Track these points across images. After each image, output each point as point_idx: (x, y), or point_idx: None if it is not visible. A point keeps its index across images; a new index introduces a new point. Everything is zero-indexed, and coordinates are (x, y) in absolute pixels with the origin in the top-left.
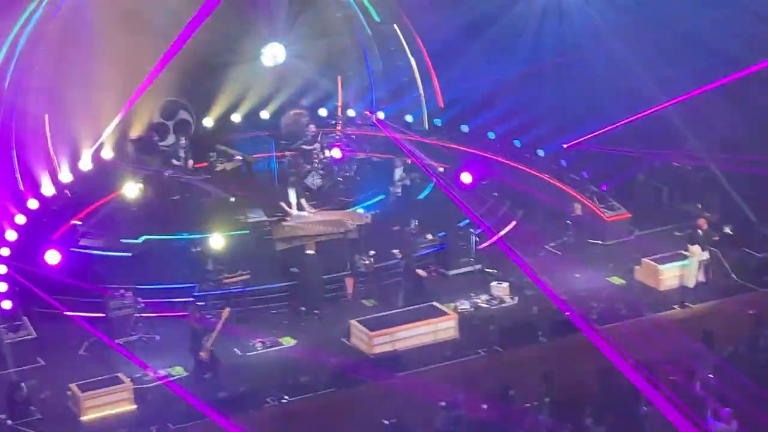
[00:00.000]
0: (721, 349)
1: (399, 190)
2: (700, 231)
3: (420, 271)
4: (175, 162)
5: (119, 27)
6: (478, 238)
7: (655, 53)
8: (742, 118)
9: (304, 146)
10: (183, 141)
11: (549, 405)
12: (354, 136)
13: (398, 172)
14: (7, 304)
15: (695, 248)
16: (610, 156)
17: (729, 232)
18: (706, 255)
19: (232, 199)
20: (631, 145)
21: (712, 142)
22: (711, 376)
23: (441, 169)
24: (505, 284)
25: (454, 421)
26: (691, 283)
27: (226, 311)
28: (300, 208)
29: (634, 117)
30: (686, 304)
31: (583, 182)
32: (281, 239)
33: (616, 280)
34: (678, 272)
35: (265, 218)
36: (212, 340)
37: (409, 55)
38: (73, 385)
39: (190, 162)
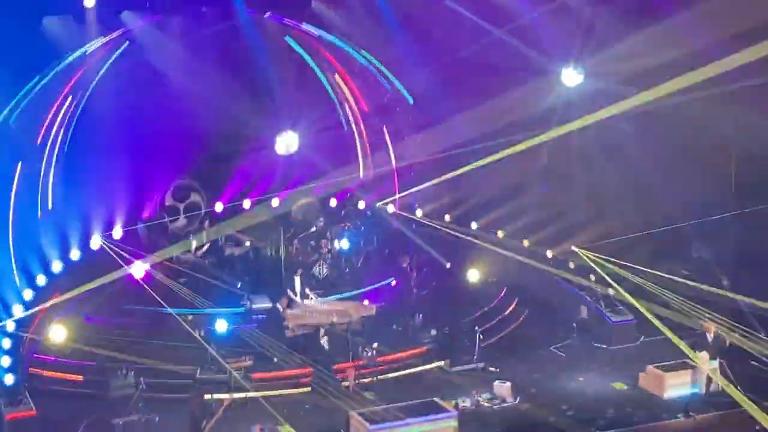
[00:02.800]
0: None
1: None
2: (708, 336)
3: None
4: (194, 242)
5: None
6: (482, 335)
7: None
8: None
9: (312, 236)
10: (207, 224)
11: None
12: (363, 228)
13: None
14: (9, 379)
15: (702, 355)
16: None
17: (736, 341)
18: (714, 363)
19: (239, 285)
20: (638, 254)
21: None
22: None
23: (447, 265)
24: (508, 383)
25: None
26: (702, 389)
27: (228, 398)
28: (304, 296)
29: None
30: (691, 414)
31: (590, 285)
32: (287, 327)
33: (620, 386)
34: (682, 381)
35: (269, 305)
36: (211, 426)
37: None
38: None
39: (207, 244)
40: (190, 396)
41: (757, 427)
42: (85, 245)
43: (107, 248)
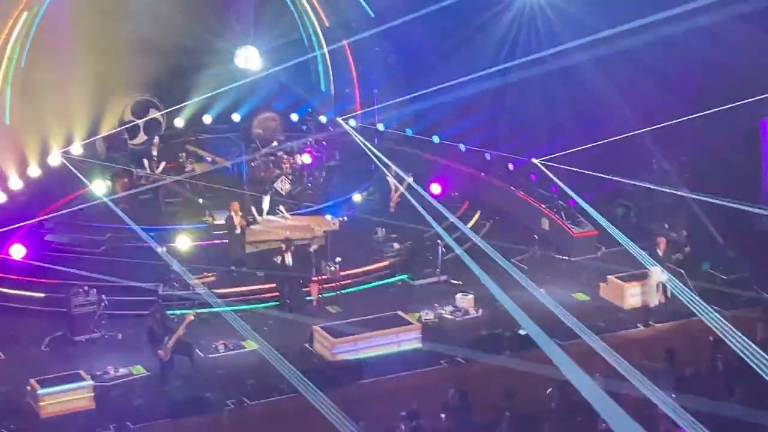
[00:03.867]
0: (683, 368)
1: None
2: (658, 250)
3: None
4: (146, 161)
5: (93, 21)
6: (444, 249)
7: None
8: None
9: (274, 150)
10: (156, 140)
11: (508, 419)
12: (325, 143)
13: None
14: None
15: (654, 268)
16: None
17: (687, 252)
18: (664, 276)
19: (201, 201)
20: (601, 164)
21: (682, 166)
22: (672, 395)
23: (410, 178)
24: (470, 296)
25: (413, 430)
26: (652, 302)
27: (190, 317)
28: (275, 214)
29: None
30: (650, 323)
31: (551, 198)
32: (250, 242)
33: (581, 297)
34: (641, 291)
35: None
36: (173, 342)
37: None
38: (32, 380)
39: (162, 163)
40: (150, 312)
41: (711, 337)
42: (43, 161)
43: (67, 164)
